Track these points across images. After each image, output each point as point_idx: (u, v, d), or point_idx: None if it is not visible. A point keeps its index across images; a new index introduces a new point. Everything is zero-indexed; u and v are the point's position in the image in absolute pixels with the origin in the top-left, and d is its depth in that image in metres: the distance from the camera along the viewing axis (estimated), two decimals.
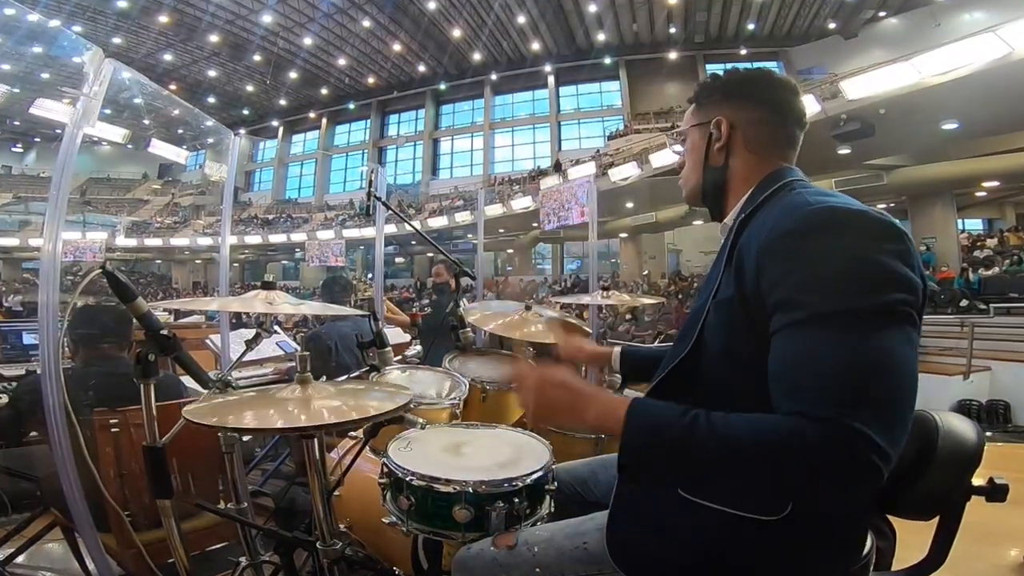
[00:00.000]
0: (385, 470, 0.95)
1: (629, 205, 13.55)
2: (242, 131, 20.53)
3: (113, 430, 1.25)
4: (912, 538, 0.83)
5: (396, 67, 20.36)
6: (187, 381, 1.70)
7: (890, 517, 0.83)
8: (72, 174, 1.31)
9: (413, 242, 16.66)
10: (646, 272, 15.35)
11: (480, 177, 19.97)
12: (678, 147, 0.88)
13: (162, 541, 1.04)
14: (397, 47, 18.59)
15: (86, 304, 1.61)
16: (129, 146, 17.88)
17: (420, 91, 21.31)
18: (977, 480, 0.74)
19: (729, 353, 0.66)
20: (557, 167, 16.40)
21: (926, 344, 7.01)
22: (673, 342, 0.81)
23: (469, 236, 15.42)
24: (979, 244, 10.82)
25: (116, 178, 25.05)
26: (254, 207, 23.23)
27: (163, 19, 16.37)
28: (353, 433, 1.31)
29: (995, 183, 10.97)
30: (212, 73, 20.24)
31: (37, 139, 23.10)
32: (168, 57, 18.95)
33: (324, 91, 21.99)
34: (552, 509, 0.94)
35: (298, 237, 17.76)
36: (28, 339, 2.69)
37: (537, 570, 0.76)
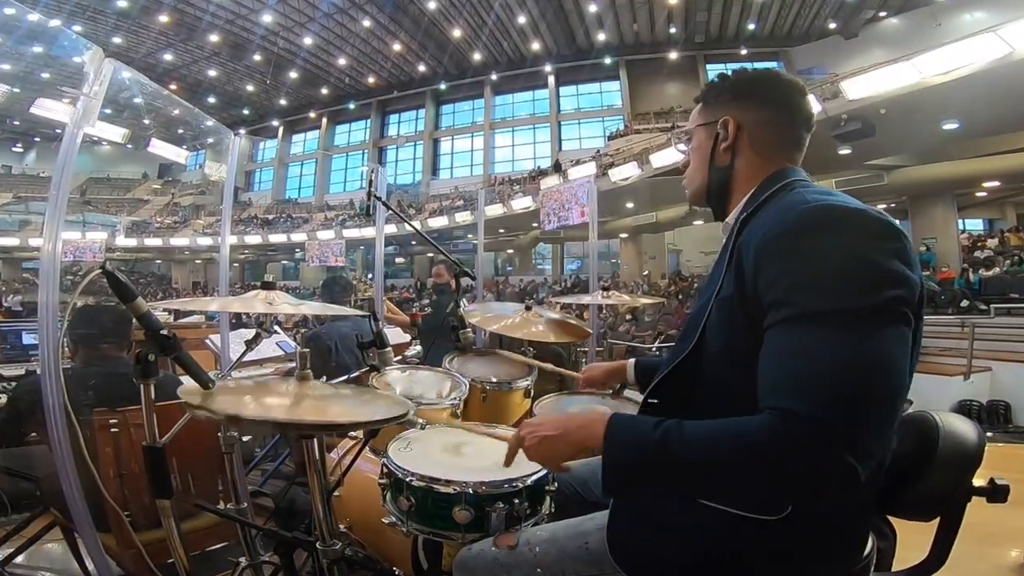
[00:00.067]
0: (385, 470, 0.95)
1: (629, 205, 13.55)
2: (242, 131, 20.54)
3: (113, 430, 1.25)
4: (912, 538, 0.83)
5: (396, 67, 20.36)
6: (187, 381, 1.70)
7: (890, 518, 0.83)
8: (72, 174, 1.31)
9: (413, 242, 16.66)
10: (646, 272, 15.34)
11: (480, 177, 19.97)
12: (682, 146, 0.87)
13: (162, 541, 1.04)
14: (397, 47, 18.59)
15: (86, 304, 1.60)
16: (129, 146, 17.90)
17: (420, 91, 21.31)
18: (978, 481, 0.74)
19: (729, 352, 0.66)
20: (557, 167, 16.40)
21: (926, 344, 7.00)
22: (675, 342, 0.81)
23: (469, 236, 15.42)
24: (980, 244, 10.81)
25: (116, 178, 25.05)
26: (254, 207, 23.23)
27: (163, 19, 16.37)
28: (353, 433, 1.31)
29: (996, 183, 10.96)
30: (212, 73, 20.24)
31: (37, 139, 23.11)
32: (168, 57, 18.95)
33: (324, 91, 21.99)
34: (552, 509, 0.94)
35: (298, 237, 17.76)
36: (28, 339, 2.69)
37: (538, 570, 0.76)
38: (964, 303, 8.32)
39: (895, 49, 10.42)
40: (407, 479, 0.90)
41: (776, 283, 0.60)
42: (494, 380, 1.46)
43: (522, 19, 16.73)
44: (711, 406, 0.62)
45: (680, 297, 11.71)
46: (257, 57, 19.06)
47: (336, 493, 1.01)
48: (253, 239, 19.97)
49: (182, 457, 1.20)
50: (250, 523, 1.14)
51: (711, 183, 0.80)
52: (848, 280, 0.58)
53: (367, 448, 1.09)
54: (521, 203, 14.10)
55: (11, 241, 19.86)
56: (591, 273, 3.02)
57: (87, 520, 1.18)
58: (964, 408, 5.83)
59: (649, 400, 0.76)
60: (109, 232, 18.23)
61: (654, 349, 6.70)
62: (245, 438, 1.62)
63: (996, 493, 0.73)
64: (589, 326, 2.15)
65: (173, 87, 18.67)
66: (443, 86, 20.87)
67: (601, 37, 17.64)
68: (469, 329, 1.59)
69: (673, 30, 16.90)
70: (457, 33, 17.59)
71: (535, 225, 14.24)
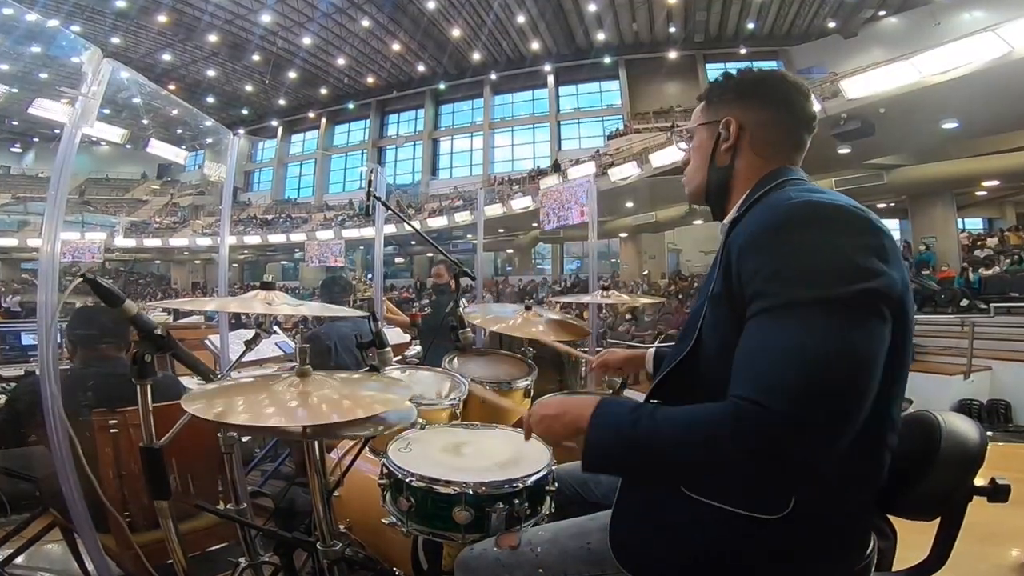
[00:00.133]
0: (385, 471, 0.95)
1: (629, 205, 13.55)
2: (241, 131, 20.53)
3: (112, 431, 1.24)
4: (913, 538, 0.82)
5: (395, 67, 20.34)
6: (187, 383, 1.70)
7: (891, 517, 0.83)
8: (71, 174, 1.30)
9: (413, 242, 16.65)
10: (646, 272, 15.34)
11: (480, 177, 19.96)
12: (683, 144, 0.87)
13: (161, 542, 1.04)
14: (396, 47, 18.57)
15: (84, 305, 1.60)
16: (128, 146, 17.89)
17: (419, 91, 21.29)
18: (979, 480, 0.74)
19: (725, 350, 0.67)
20: (556, 167, 16.40)
21: (926, 344, 7.00)
22: (675, 342, 0.82)
23: (469, 236, 15.41)
24: (979, 243, 10.81)
25: (115, 178, 25.02)
26: (253, 207, 23.21)
27: (162, 19, 16.35)
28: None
29: (995, 182, 10.96)
30: (211, 73, 20.22)
31: (36, 139, 23.08)
32: (167, 57, 18.92)
33: (323, 91, 21.97)
34: (552, 510, 0.93)
35: (297, 237, 17.75)
36: (27, 340, 2.69)
37: (540, 571, 0.76)
38: (964, 302, 8.32)
39: (894, 48, 10.42)
40: (407, 479, 0.90)
41: (755, 277, 0.62)
42: (494, 381, 1.45)
43: (521, 19, 16.72)
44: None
45: (680, 297, 11.71)
46: (256, 57, 19.04)
47: (336, 493, 1.01)
48: (252, 239, 19.95)
49: (182, 457, 1.20)
50: (250, 523, 1.14)
51: (711, 182, 0.80)
52: (820, 273, 0.59)
53: (367, 448, 1.09)
54: (521, 203, 14.09)
55: (10, 241, 19.83)
56: (591, 273, 3.02)
57: (87, 521, 1.18)
58: (964, 407, 5.83)
59: (650, 400, 0.76)
60: (108, 232, 18.20)
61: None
62: (244, 438, 1.62)
63: (997, 493, 0.73)
64: (589, 326, 2.15)
65: (172, 87, 18.65)
66: (442, 86, 20.86)
67: (600, 36, 17.63)
68: (469, 329, 1.58)
69: (672, 29, 16.89)
70: (456, 33, 17.58)
71: (535, 225, 14.23)
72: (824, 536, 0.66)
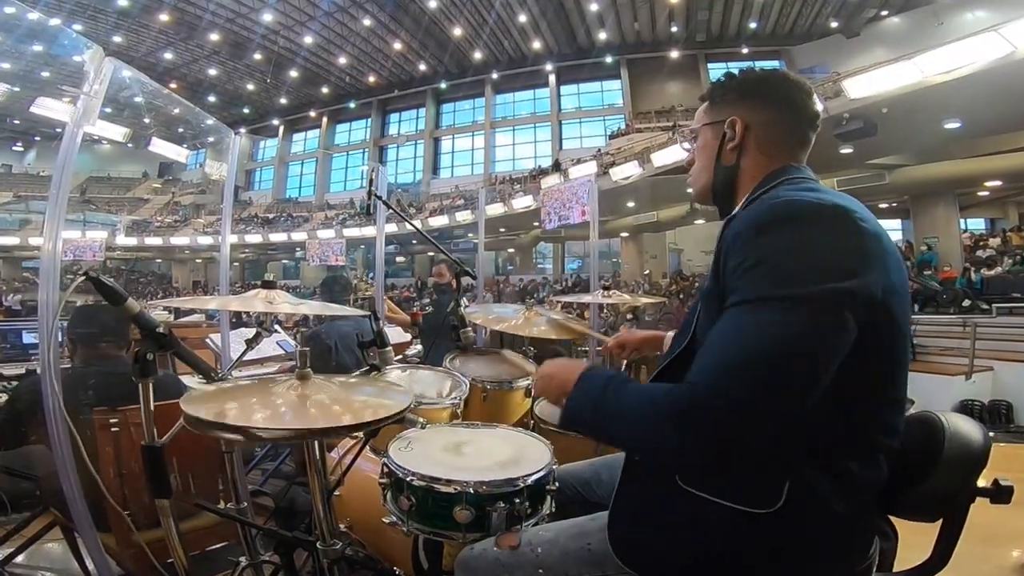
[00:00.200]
0: (385, 470, 0.95)
1: (630, 204, 13.54)
2: (242, 130, 20.51)
3: (113, 429, 1.24)
4: (915, 539, 0.82)
5: (397, 66, 20.34)
6: (188, 381, 1.70)
7: (892, 518, 0.82)
8: (72, 173, 1.31)
9: (414, 241, 16.64)
10: (647, 271, 15.33)
11: (481, 176, 19.95)
12: (688, 144, 0.88)
13: (161, 541, 1.03)
14: (398, 46, 18.57)
15: (85, 303, 1.60)
16: (129, 145, 17.91)
17: (421, 90, 21.29)
18: (981, 481, 0.73)
19: None
20: (556, 167, 16.39)
21: (928, 344, 6.99)
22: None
23: (470, 235, 15.41)
24: (982, 244, 10.78)
25: (116, 177, 25.05)
26: (254, 206, 23.23)
27: (163, 17, 16.36)
28: (353, 432, 1.30)
29: (998, 183, 10.93)
30: (212, 72, 20.23)
31: (37, 138, 23.11)
32: (168, 56, 18.94)
33: (325, 90, 21.97)
34: (553, 509, 0.93)
35: (299, 236, 17.75)
36: (28, 338, 2.69)
37: (540, 571, 0.76)
38: (966, 302, 8.30)
39: (897, 48, 10.39)
40: (408, 479, 0.90)
41: (734, 273, 0.64)
42: (495, 379, 1.45)
43: (523, 18, 16.70)
44: None
45: (681, 296, 11.70)
46: (257, 56, 19.05)
47: (336, 493, 1.01)
48: (253, 238, 19.97)
49: (182, 456, 1.20)
50: (250, 523, 1.14)
51: (717, 182, 0.81)
52: (789, 272, 0.60)
53: (367, 447, 1.09)
54: (522, 202, 14.09)
55: (11, 240, 19.88)
56: (592, 272, 3.02)
57: (87, 520, 1.18)
58: (966, 408, 5.82)
59: None
60: (109, 231, 18.24)
61: None
62: None
63: (1000, 494, 0.73)
64: (590, 325, 2.15)
65: (173, 86, 18.66)
66: (444, 85, 20.85)
67: (602, 36, 17.61)
68: (470, 328, 1.58)
69: (674, 29, 16.86)
70: (458, 32, 17.57)
71: (536, 224, 14.23)
72: (823, 536, 0.66)
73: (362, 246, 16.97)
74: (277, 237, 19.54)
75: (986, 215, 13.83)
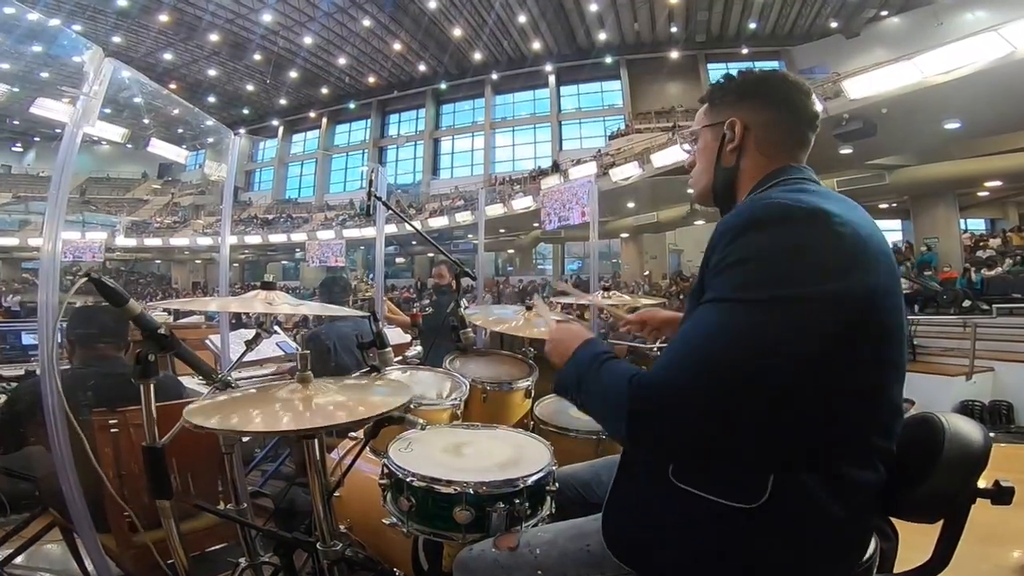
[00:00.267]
0: (385, 471, 0.95)
1: (630, 205, 13.54)
2: (242, 130, 20.53)
3: (112, 430, 1.24)
4: (915, 539, 0.82)
5: (396, 66, 20.34)
6: (187, 382, 1.69)
7: (893, 519, 0.82)
8: (72, 173, 1.31)
9: (414, 242, 16.65)
10: (647, 272, 15.33)
11: (481, 177, 19.96)
12: (688, 146, 0.88)
13: (161, 542, 1.03)
14: (397, 46, 18.58)
15: (84, 304, 1.60)
16: (129, 145, 17.90)
17: (420, 91, 21.29)
18: (981, 482, 0.73)
19: None
20: (555, 168, 16.40)
21: (928, 345, 6.99)
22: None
23: (470, 236, 15.41)
24: (982, 244, 10.79)
25: (116, 178, 25.05)
26: (254, 207, 23.23)
27: (163, 18, 16.37)
28: (353, 433, 1.30)
29: (998, 183, 10.93)
30: (212, 72, 20.23)
31: (37, 138, 23.12)
32: (168, 56, 18.95)
33: (324, 90, 21.98)
34: (553, 510, 0.93)
35: (298, 237, 17.76)
36: (27, 339, 2.69)
37: (539, 572, 0.76)
38: (966, 303, 8.30)
39: (897, 48, 10.39)
40: (408, 479, 0.90)
41: (711, 271, 0.66)
42: (495, 380, 1.45)
43: (522, 18, 16.71)
44: None
45: (681, 297, 11.69)
46: (257, 56, 19.06)
47: (336, 494, 1.00)
48: (253, 239, 19.97)
49: (182, 457, 1.20)
50: (250, 524, 1.14)
51: (717, 183, 0.82)
52: (758, 274, 0.62)
53: (367, 448, 1.09)
54: (522, 203, 14.09)
55: (10, 241, 19.87)
56: (592, 273, 3.02)
57: (86, 520, 1.18)
58: (966, 408, 5.81)
59: None
60: (109, 232, 18.23)
61: (655, 349, 6.70)
62: (245, 438, 1.62)
63: (1001, 495, 0.72)
64: (590, 326, 2.15)
65: (173, 87, 18.67)
66: (443, 86, 20.86)
67: (602, 36, 17.62)
68: (470, 329, 1.58)
69: (674, 29, 16.88)
70: (457, 32, 17.58)
71: (536, 225, 14.23)
72: (816, 536, 0.65)
73: (362, 247, 16.97)
74: (277, 238, 19.54)
75: (986, 215, 13.84)
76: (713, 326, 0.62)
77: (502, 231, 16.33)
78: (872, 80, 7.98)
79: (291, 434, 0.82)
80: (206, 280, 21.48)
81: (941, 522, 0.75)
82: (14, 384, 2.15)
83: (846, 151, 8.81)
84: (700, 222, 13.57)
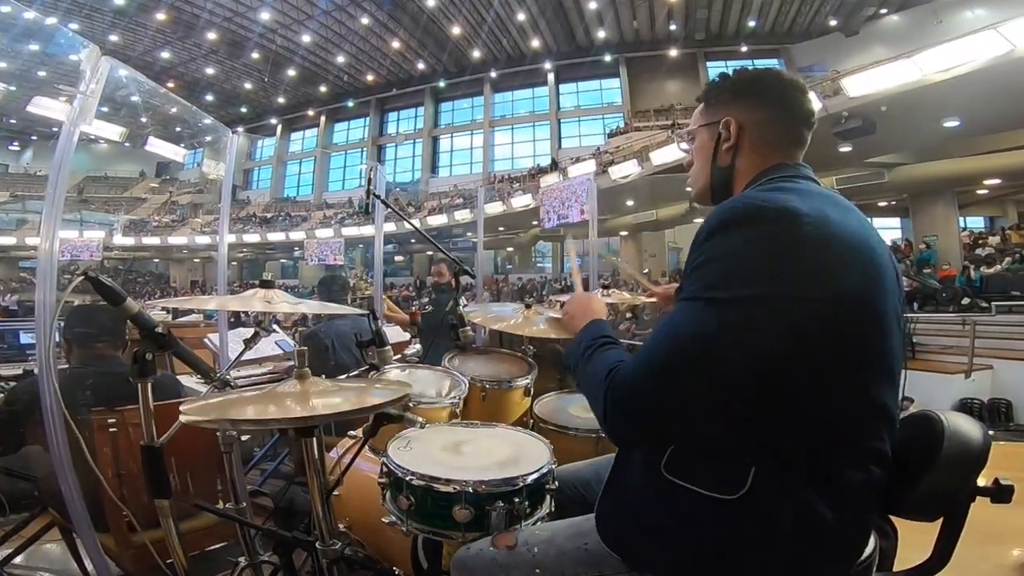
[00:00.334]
0: (385, 470, 0.95)
1: (630, 203, 13.54)
2: (240, 129, 20.48)
3: (111, 430, 1.24)
4: (915, 537, 0.82)
5: (395, 64, 20.30)
6: (186, 381, 1.69)
7: (892, 517, 0.82)
8: (69, 172, 1.30)
9: (413, 240, 16.63)
10: (647, 270, 15.33)
11: (480, 175, 19.94)
12: (685, 145, 0.88)
13: (160, 541, 1.03)
14: (396, 44, 18.53)
15: (82, 303, 1.60)
16: (126, 144, 17.86)
17: (419, 89, 21.25)
18: (981, 480, 0.73)
19: None
20: (554, 166, 16.38)
21: (927, 343, 7.00)
22: None
23: (469, 234, 15.41)
24: (981, 242, 10.79)
25: (113, 176, 25.00)
26: (252, 205, 23.19)
27: (160, 16, 16.31)
28: (352, 432, 1.30)
29: (997, 181, 10.95)
30: (210, 71, 20.18)
31: (34, 137, 23.05)
32: (166, 54, 18.88)
33: (323, 89, 21.93)
34: (552, 508, 0.93)
35: (297, 235, 17.74)
36: (25, 338, 2.68)
37: (537, 571, 0.76)
38: (965, 301, 8.31)
39: (896, 46, 10.40)
40: (407, 478, 0.89)
41: (685, 271, 0.69)
42: (494, 379, 1.45)
43: (521, 16, 16.67)
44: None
45: None
46: (255, 55, 19.00)
47: (335, 492, 1.00)
48: (251, 237, 19.94)
49: (181, 456, 1.20)
50: (249, 523, 1.14)
51: (714, 182, 0.82)
52: (716, 273, 0.64)
53: (367, 447, 1.09)
54: (521, 201, 14.08)
55: (8, 240, 19.82)
56: (591, 271, 3.02)
57: (85, 520, 1.18)
58: (965, 406, 5.82)
59: None
60: (106, 231, 18.19)
61: None
62: (244, 438, 1.62)
63: (1001, 493, 0.72)
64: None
65: (171, 85, 18.62)
66: (442, 84, 20.82)
67: (601, 34, 17.59)
68: (469, 327, 1.58)
69: (673, 27, 16.85)
70: (456, 30, 17.54)
71: (535, 223, 14.22)
72: (818, 535, 0.65)
73: (361, 245, 16.95)
74: (275, 236, 19.52)
75: (985, 213, 13.86)
76: (679, 324, 0.65)
77: (501, 229, 16.33)
78: (871, 78, 7.97)
79: (288, 424, 0.81)
80: (204, 279, 21.45)
81: (941, 520, 0.75)
82: (12, 384, 2.15)
83: (845, 149, 8.81)
84: (699, 220, 13.47)
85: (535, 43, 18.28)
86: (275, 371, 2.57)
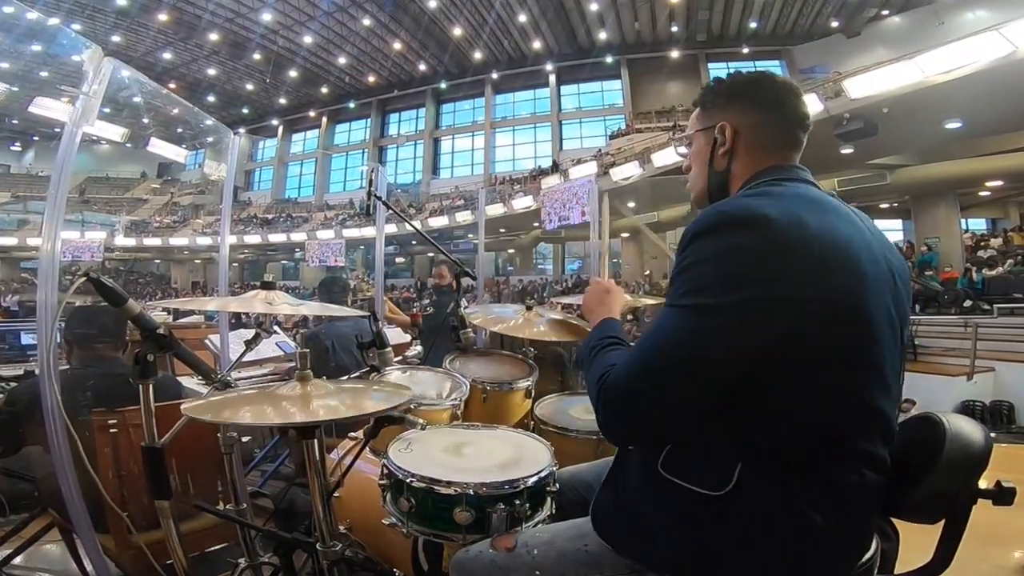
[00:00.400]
0: (385, 471, 0.95)
1: (631, 205, 13.53)
2: (242, 130, 20.51)
3: (112, 431, 1.24)
4: (916, 539, 0.82)
5: (396, 66, 20.33)
6: (187, 383, 1.69)
7: (894, 519, 0.82)
8: (71, 173, 1.30)
9: (414, 242, 16.65)
10: (648, 272, 15.33)
11: (481, 176, 19.95)
12: (683, 149, 0.89)
13: (161, 542, 1.03)
14: (397, 46, 18.57)
15: (83, 304, 1.60)
16: (128, 145, 17.92)
17: (421, 90, 21.28)
18: (983, 482, 0.73)
19: None
20: (555, 168, 16.39)
21: (929, 345, 6.98)
22: None
23: (470, 236, 15.41)
24: (983, 244, 10.76)
25: (115, 177, 25.05)
26: (254, 206, 23.22)
27: (162, 17, 16.36)
28: (353, 434, 1.30)
29: (999, 182, 10.92)
30: (212, 72, 20.23)
31: (36, 137, 23.11)
32: (167, 55, 18.94)
33: (324, 90, 21.97)
34: (554, 511, 0.93)
35: (298, 237, 17.76)
36: (26, 339, 2.69)
37: (537, 572, 0.76)
38: (967, 303, 8.29)
39: (898, 48, 10.39)
40: (407, 480, 0.89)
41: (671, 275, 0.71)
42: (495, 380, 1.45)
43: (523, 18, 16.70)
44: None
45: None
46: (257, 56, 19.04)
47: (336, 494, 1.00)
48: (253, 239, 19.96)
49: (181, 458, 1.20)
50: (250, 524, 1.14)
51: (712, 187, 0.82)
52: (690, 280, 0.66)
53: (367, 449, 1.09)
54: (522, 203, 14.09)
55: (9, 240, 19.87)
56: (592, 273, 3.02)
57: (85, 521, 1.18)
58: (967, 408, 5.82)
59: None
60: (108, 232, 18.24)
61: None
62: (244, 439, 1.62)
63: (1002, 496, 0.72)
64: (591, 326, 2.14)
65: (172, 86, 18.67)
66: (443, 85, 20.85)
67: (602, 36, 17.61)
68: (470, 329, 1.58)
69: (675, 29, 16.87)
70: (458, 32, 17.57)
71: (536, 225, 14.23)
72: (786, 531, 0.65)
73: (362, 247, 16.96)
74: (276, 238, 19.53)
75: (987, 215, 13.82)
76: (657, 330, 0.68)
77: (502, 231, 16.33)
78: (873, 80, 7.97)
79: (289, 427, 0.81)
80: (205, 280, 21.47)
81: (942, 523, 0.75)
82: (13, 384, 2.15)
83: (847, 151, 8.80)
84: None
85: (536, 44, 18.30)
86: (276, 372, 2.57)
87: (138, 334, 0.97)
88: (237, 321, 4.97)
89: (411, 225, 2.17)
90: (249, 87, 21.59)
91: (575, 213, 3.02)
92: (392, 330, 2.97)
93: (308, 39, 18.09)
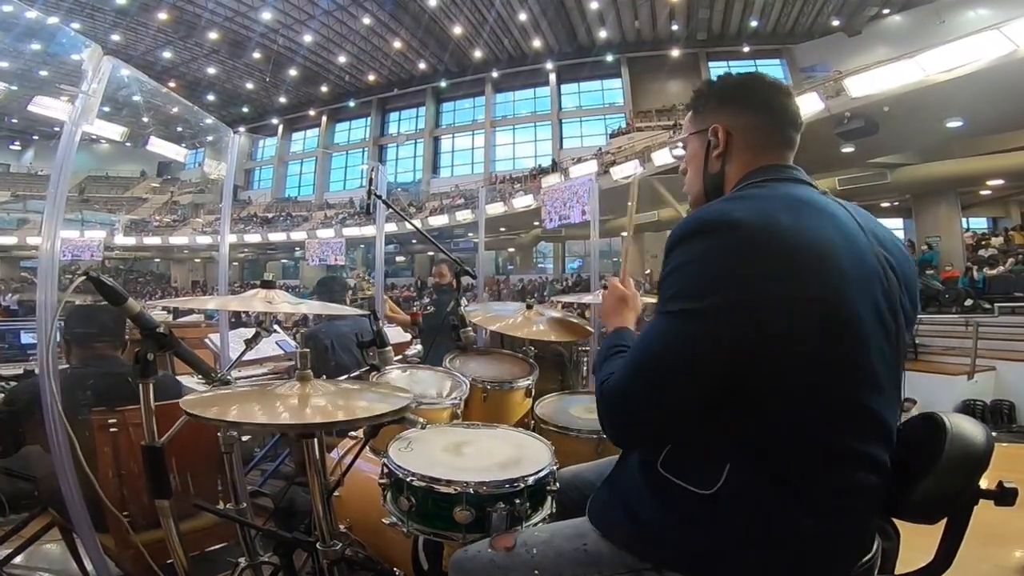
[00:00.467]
0: (385, 470, 0.95)
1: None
2: (241, 129, 20.48)
3: (112, 430, 1.24)
4: (917, 540, 0.82)
5: (397, 64, 20.31)
6: (186, 382, 1.69)
7: (895, 519, 0.82)
8: (71, 172, 1.30)
9: (414, 241, 16.65)
10: (648, 271, 15.32)
11: (481, 175, 19.94)
12: (679, 151, 0.90)
13: (161, 542, 1.03)
14: (398, 44, 18.55)
15: (83, 303, 1.60)
16: (128, 144, 17.93)
17: (421, 89, 21.27)
18: (984, 482, 0.72)
19: None
20: (554, 167, 16.39)
21: (930, 344, 6.98)
22: None
23: (470, 235, 15.42)
24: (984, 243, 10.75)
25: (115, 176, 25.05)
26: (254, 205, 23.23)
27: (162, 16, 16.35)
28: (353, 433, 1.30)
29: (1000, 181, 10.92)
30: (211, 70, 20.22)
31: (35, 137, 23.11)
32: (167, 54, 18.92)
33: (324, 89, 21.96)
34: (554, 510, 0.93)
35: (298, 236, 17.76)
36: (26, 338, 2.69)
37: (536, 572, 0.76)
38: (968, 302, 8.28)
39: (899, 46, 10.38)
40: (408, 479, 0.89)
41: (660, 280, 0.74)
42: (495, 379, 1.45)
43: (523, 16, 16.68)
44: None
45: None
46: (257, 55, 19.03)
47: (336, 493, 1.00)
48: (252, 238, 19.97)
49: (181, 457, 1.20)
50: (250, 523, 1.14)
51: (707, 189, 0.83)
52: (681, 286, 0.68)
53: (367, 448, 1.09)
54: (522, 201, 14.09)
55: (9, 240, 19.89)
56: (592, 272, 3.01)
57: (85, 520, 1.18)
58: (968, 408, 5.80)
59: None
60: (108, 231, 18.25)
61: None
62: (245, 438, 1.62)
63: (1004, 496, 0.72)
64: (591, 325, 2.14)
65: (172, 85, 18.65)
66: (444, 84, 20.83)
67: (603, 34, 17.59)
68: (470, 328, 1.58)
69: (675, 27, 16.85)
70: (458, 30, 17.55)
71: (536, 223, 14.23)
72: (775, 529, 0.65)
73: (362, 245, 16.97)
74: (276, 237, 19.54)
75: (988, 214, 13.81)
76: (646, 337, 0.71)
77: (502, 230, 16.32)
78: (874, 78, 7.95)
79: (289, 430, 0.81)
80: (205, 279, 21.49)
81: (944, 523, 0.75)
82: (12, 383, 2.15)
83: (848, 149, 8.79)
84: None
85: (537, 43, 18.28)
86: (276, 371, 2.57)
87: (138, 333, 0.97)
88: (237, 320, 4.97)
89: (411, 224, 2.17)
90: (249, 86, 21.57)
91: (575, 212, 3.02)
92: (392, 329, 2.97)
93: (308, 38, 18.07)
